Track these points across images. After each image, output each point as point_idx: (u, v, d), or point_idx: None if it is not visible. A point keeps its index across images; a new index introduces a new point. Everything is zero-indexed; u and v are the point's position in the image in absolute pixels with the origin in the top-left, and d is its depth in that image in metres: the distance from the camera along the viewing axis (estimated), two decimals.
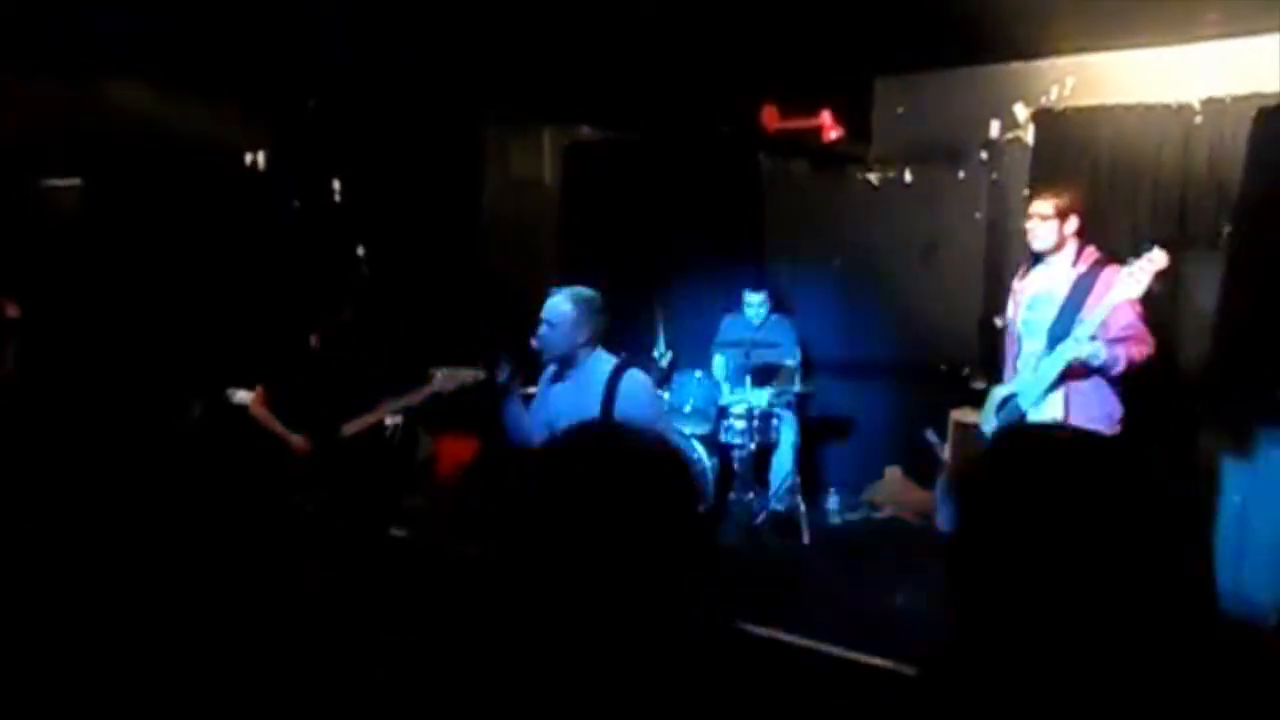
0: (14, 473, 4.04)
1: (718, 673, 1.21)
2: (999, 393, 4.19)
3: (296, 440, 4.51)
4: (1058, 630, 1.07)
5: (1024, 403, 4.02)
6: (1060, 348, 3.85)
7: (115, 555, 3.88)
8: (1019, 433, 1.33)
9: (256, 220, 6.02)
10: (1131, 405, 3.95)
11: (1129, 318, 3.82)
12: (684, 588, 1.21)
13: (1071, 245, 4.06)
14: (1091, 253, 4.04)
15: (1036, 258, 4.14)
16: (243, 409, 4.86)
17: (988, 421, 4.21)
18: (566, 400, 3.62)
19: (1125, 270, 3.72)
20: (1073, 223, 4.03)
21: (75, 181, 5.47)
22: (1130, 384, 3.93)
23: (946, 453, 5.26)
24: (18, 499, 3.92)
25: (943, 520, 4.37)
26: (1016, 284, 4.29)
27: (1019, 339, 4.19)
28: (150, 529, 4.17)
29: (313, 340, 4.66)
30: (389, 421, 4.74)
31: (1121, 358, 3.79)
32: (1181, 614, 1.05)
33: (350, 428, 4.50)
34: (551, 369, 3.76)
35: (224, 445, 5.10)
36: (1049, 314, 4.00)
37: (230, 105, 5.99)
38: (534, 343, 3.66)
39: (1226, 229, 4.92)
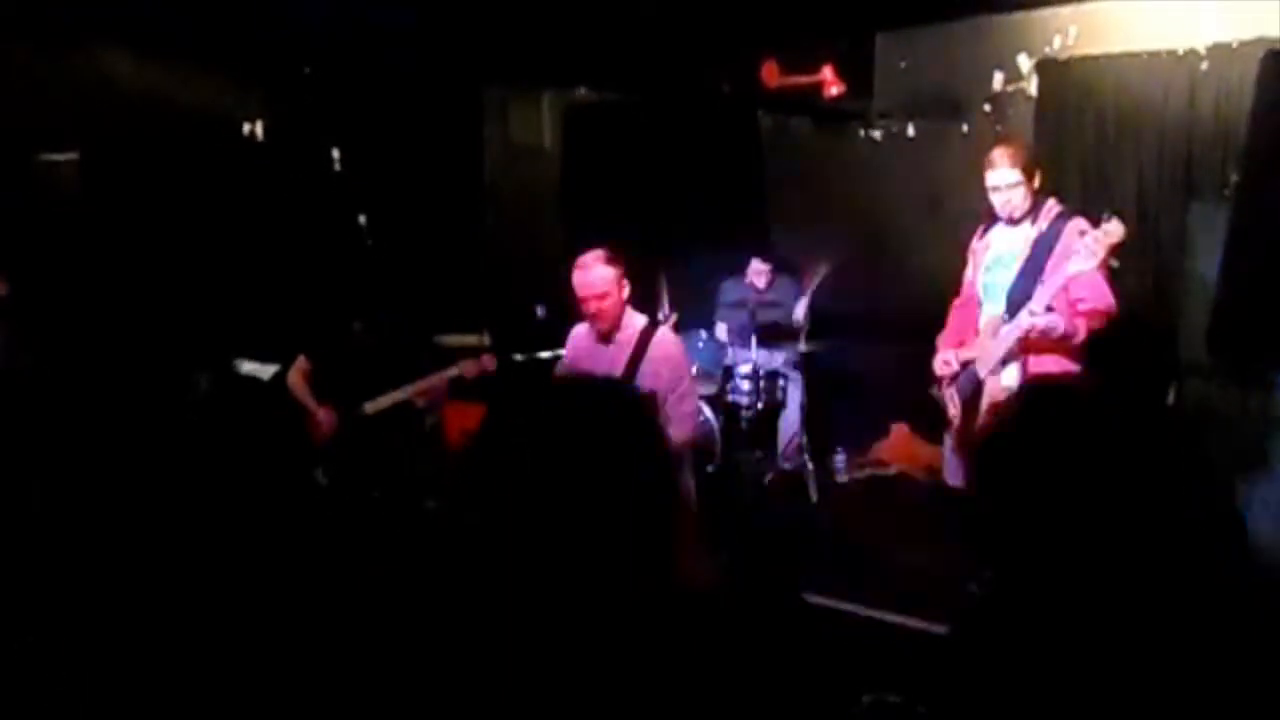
0: (16, 452, 4.05)
1: (698, 628, 1.20)
2: (956, 357, 4.03)
3: (322, 414, 4.52)
4: (1091, 584, 1.06)
5: (981, 369, 3.86)
6: (1019, 317, 3.66)
7: (123, 531, 3.90)
8: (1042, 390, 1.32)
9: (256, 191, 5.99)
10: (1095, 365, 3.80)
11: (1091, 281, 3.60)
12: (655, 536, 1.20)
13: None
14: (1051, 207, 3.81)
15: (994, 216, 3.91)
16: (255, 380, 4.88)
17: (947, 390, 4.08)
18: (604, 357, 3.67)
19: (1080, 241, 3.49)
20: (1037, 178, 3.78)
21: (73, 155, 5.44)
22: (1094, 345, 3.76)
23: (954, 409, 5.24)
24: (20, 479, 3.94)
25: (951, 476, 4.34)
26: (976, 244, 4.07)
27: (979, 302, 4.01)
28: (160, 504, 4.19)
29: (356, 326, 4.67)
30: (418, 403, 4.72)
31: (1082, 327, 3.64)
32: (1216, 563, 1.05)
33: (371, 406, 4.51)
34: (584, 330, 3.79)
35: (233, 417, 5.11)
36: (1007, 276, 3.82)
37: (227, 75, 5.95)
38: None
39: (1234, 177, 4.87)
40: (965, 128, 5.96)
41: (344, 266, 6.19)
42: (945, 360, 4.08)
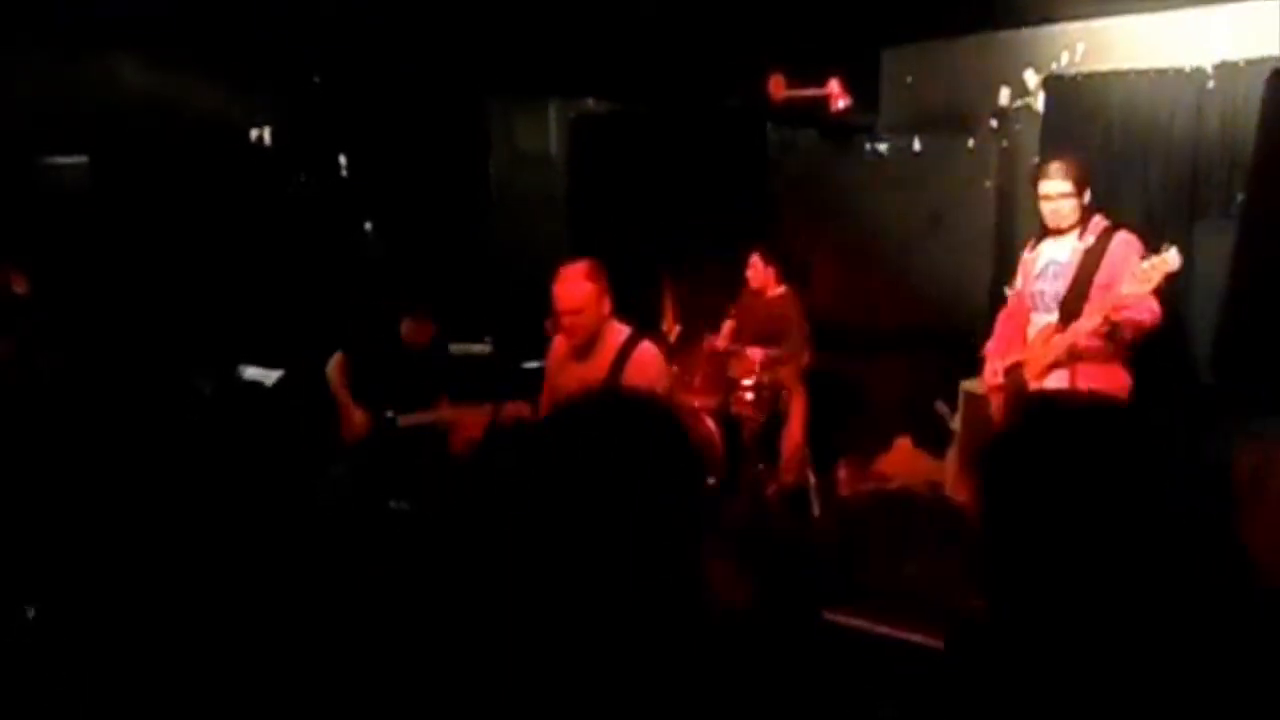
0: (20, 452, 4.05)
1: (732, 646, 1.20)
2: (1004, 365, 4.18)
3: (358, 417, 4.51)
4: (1092, 601, 1.06)
5: (1029, 372, 4.02)
6: (1074, 327, 3.84)
7: (125, 535, 3.90)
8: (1045, 403, 1.32)
9: (263, 197, 6.01)
10: (1141, 379, 3.93)
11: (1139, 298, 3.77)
12: (691, 555, 1.20)
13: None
14: (1099, 222, 4.00)
15: (1045, 229, 4.11)
16: (258, 385, 4.88)
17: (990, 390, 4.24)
18: (579, 369, 3.65)
19: (1138, 266, 3.66)
20: (1087, 194, 3.99)
21: (81, 159, 5.47)
22: (1140, 358, 3.92)
23: (957, 423, 5.24)
24: (23, 479, 3.94)
25: (953, 490, 4.38)
26: (1027, 254, 4.27)
27: (1029, 311, 4.18)
28: (163, 508, 4.19)
29: (404, 329, 4.66)
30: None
31: (1128, 328, 3.78)
32: (1218, 583, 1.05)
33: (408, 420, 4.50)
34: (562, 341, 3.77)
35: (237, 423, 5.11)
36: (1060, 286, 3.99)
37: (236, 81, 5.97)
38: (548, 325, 3.67)
39: (1239, 196, 4.87)
40: (971, 143, 5.96)
41: (348, 273, 6.20)
42: (994, 370, 4.23)
